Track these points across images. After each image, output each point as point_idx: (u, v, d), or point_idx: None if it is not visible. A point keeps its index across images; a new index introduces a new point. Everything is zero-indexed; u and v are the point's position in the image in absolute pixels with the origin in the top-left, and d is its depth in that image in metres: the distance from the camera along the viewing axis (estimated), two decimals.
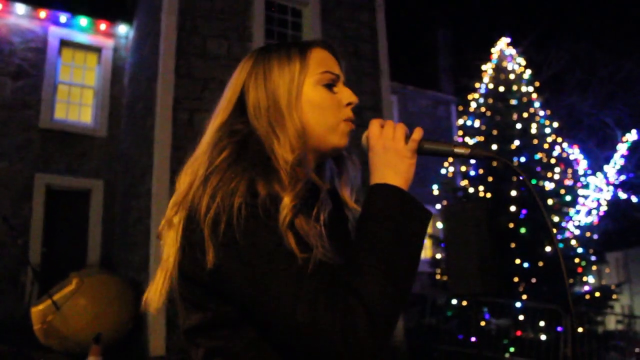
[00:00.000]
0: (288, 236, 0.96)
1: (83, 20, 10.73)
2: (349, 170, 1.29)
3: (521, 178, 1.10)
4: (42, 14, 10.43)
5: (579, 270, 9.44)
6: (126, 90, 10.84)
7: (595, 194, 17.32)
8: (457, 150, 1.13)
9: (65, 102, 10.65)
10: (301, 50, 1.22)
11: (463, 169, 11.02)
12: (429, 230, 14.02)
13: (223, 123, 1.18)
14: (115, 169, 10.60)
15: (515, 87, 10.88)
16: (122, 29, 11.11)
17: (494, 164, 10.02)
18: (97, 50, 10.99)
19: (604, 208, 17.31)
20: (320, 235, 1.00)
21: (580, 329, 8.53)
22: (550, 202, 9.71)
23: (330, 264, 0.98)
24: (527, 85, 11.02)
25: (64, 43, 10.68)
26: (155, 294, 1.10)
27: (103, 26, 10.92)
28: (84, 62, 10.95)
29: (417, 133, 1.15)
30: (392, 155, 1.13)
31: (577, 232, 10.05)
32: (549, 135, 10.53)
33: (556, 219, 9.66)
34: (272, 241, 0.96)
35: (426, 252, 14.78)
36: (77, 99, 10.81)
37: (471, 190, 10.21)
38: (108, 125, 10.70)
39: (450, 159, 11.20)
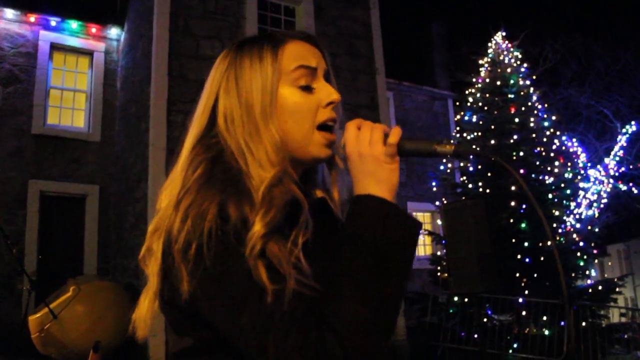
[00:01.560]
0: (258, 266, 0.90)
1: (73, 24, 10.71)
2: (338, 170, 1.20)
3: (513, 174, 1.03)
4: (32, 18, 10.41)
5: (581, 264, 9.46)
6: (119, 93, 10.82)
7: (596, 187, 17.36)
8: (440, 148, 1.04)
9: (58, 107, 10.63)
10: (274, 45, 1.12)
11: (462, 164, 11.01)
12: (428, 227, 14.15)
13: (198, 136, 1.11)
14: (110, 173, 10.59)
15: (512, 81, 10.89)
16: (114, 31, 11.10)
17: (493, 158, 10.00)
18: (88, 53, 10.98)
19: (604, 200, 17.35)
20: (296, 263, 0.93)
21: (583, 323, 8.55)
22: (550, 195, 9.72)
23: (305, 293, 0.91)
24: (524, 78, 11.02)
25: (55, 47, 10.66)
26: (140, 321, 1.08)
27: (94, 29, 10.91)
28: (75, 66, 10.94)
29: (394, 134, 1.05)
30: (370, 163, 1.04)
31: (578, 225, 10.06)
32: (548, 128, 10.54)
33: (557, 212, 9.67)
34: (242, 271, 0.91)
35: (427, 249, 14.83)
36: (69, 104, 10.79)
37: (470, 186, 10.21)
38: (101, 129, 10.69)
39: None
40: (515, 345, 8.52)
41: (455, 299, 9.25)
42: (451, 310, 9.38)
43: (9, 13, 10.26)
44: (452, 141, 1.07)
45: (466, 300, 9.07)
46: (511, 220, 9.26)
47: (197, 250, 0.93)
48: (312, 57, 1.14)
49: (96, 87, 10.85)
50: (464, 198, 10.30)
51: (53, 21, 10.55)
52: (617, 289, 9.73)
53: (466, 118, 11.04)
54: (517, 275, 9.02)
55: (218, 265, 0.92)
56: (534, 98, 10.88)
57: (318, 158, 1.13)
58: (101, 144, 10.65)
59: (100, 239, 10.24)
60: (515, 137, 10.20)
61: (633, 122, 17.80)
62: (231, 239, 0.92)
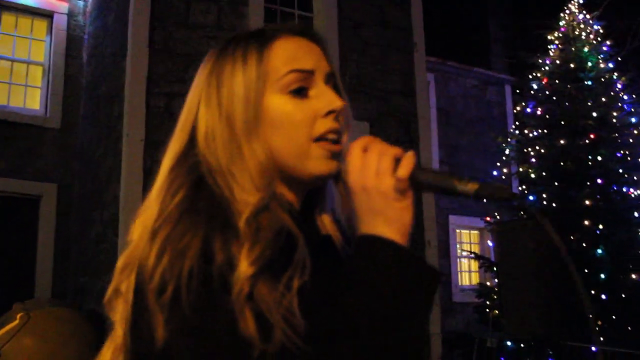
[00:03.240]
0: (245, 315, 0.94)
1: None
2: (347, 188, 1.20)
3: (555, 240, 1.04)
4: None
5: None
6: (85, 67, 10.90)
7: None
8: (460, 186, 1.07)
9: (6, 83, 10.73)
10: (260, 45, 1.16)
11: (521, 169, 10.98)
12: (475, 248, 14.11)
13: (178, 155, 1.15)
14: (72, 169, 10.67)
15: (589, 63, 10.84)
16: None
17: (562, 163, 9.98)
18: (47, 15, 11.04)
19: None
20: (286, 313, 0.96)
21: None
22: (636, 214, 9.67)
23: (295, 352, 0.94)
24: (605, 60, 10.96)
25: (3, 7, 10.75)
26: None
27: None
28: (29, 32, 11.02)
29: (405, 166, 1.08)
30: (376, 199, 1.06)
31: None
32: (635, 125, 10.47)
33: None
34: (225, 323, 0.94)
35: (472, 277, 14.77)
36: (21, 80, 10.87)
37: (531, 198, 10.17)
38: (62, 113, 10.73)
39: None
40: None
41: (509, 343, 9.23)
42: (503, 359, 9.36)
43: None
44: (473, 181, 1.08)
45: (522, 346, 9.05)
46: (584, 245, 9.22)
47: (175, 294, 0.96)
48: (308, 58, 1.17)
49: (56, 59, 10.90)
50: (522, 213, 10.27)
51: None
52: None
53: (528, 110, 11.00)
54: (590, 316, 8.98)
55: (198, 315, 0.95)
56: (618, 86, 10.82)
57: (320, 175, 1.15)
58: (61, 132, 10.72)
59: (57, 252, 10.31)
60: (591, 136, 10.15)
61: None
62: (215, 283, 0.95)
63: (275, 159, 1.12)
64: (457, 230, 14.89)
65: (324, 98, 1.16)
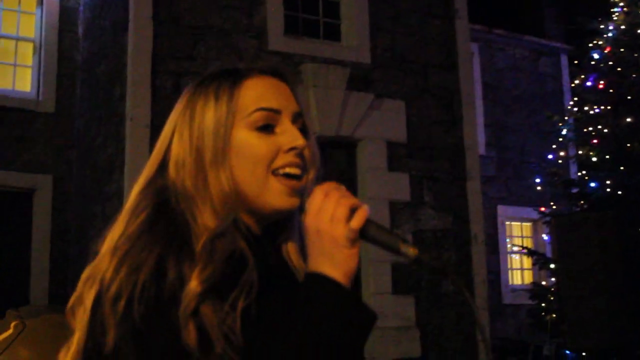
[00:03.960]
0: (189, 328, 1.15)
1: None
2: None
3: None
4: None
5: None
6: (81, 43, 10.93)
7: None
8: (404, 249, 1.25)
9: None
10: (232, 83, 1.39)
11: (580, 152, 10.83)
12: (528, 243, 13.98)
13: (148, 179, 1.39)
14: (68, 158, 10.72)
15: None
16: None
17: (629, 144, 9.83)
18: None
19: None
20: (228, 331, 1.17)
21: None
22: None
23: None
24: None
25: None
26: None
27: None
28: (17, 4, 11.05)
29: (358, 218, 1.25)
30: (327, 242, 1.25)
31: None
32: None
33: None
34: (169, 333, 1.16)
35: (525, 275, 14.66)
36: (9, 58, 10.91)
37: (593, 185, 10.02)
38: (56, 95, 10.78)
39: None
40: None
41: (568, 352, 9.13)
42: None
43: None
44: (415, 247, 1.27)
45: (584, 355, 8.94)
46: None
47: (127, 304, 1.18)
48: (276, 98, 1.41)
49: (48, 34, 10.92)
50: (582, 203, 10.12)
51: None
52: None
53: (588, 83, 10.86)
54: None
55: (146, 322, 1.17)
56: None
57: (279, 209, 1.38)
58: (56, 117, 10.76)
59: (53, 251, 10.38)
60: None
61: None
62: (164, 297, 1.17)
63: (238, 190, 1.34)
64: (507, 223, 14.81)
65: (288, 135, 1.37)
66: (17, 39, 10.99)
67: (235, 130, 1.35)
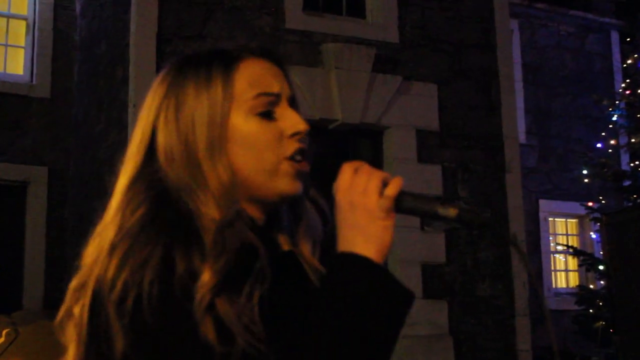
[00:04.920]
0: (206, 323, 1.18)
1: None
2: (307, 216, 1.54)
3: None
4: None
5: None
6: (79, 21, 10.93)
7: None
8: (442, 211, 1.32)
9: None
10: (226, 66, 1.41)
11: (633, 139, 10.79)
12: (574, 241, 13.90)
13: (134, 175, 1.40)
14: (65, 148, 10.75)
15: None
16: None
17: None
18: None
19: None
20: (248, 322, 1.20)
21: None
22: None
23: (257, 357, 1.19)
24: None
25: None
26: None
27: None
28: None
29: (393, 186, 1.32)
30: (360, 215, 1.30)
31: None
32: None
33: None
34: (186, 329, 1.18)
35: (570, 278, 14.59)
36: (0, 38, 10.93)
37: None
38: (52, 79, 10.82)
39: None
40: None
41: None
42: None
43: None
44: (460, 204, 1.33)
45: None
46: None
47: (136, 302, 1.18)
48: (274, 81, 1.45)
49: (42, 10, 10.95)
50: (635, 197, 10.07)
51: None
52: None
53: None
54: None
55: (159, 320, 1.18)
56: None
57: (287, 194, 1.43)
58: (52, 103, 10.81)
59: (49, 251, 10.43)
60: None
61: None
62: (176, 291, 1.19)
63: (240, 178, 1.38)
64: (550, 219, 14.73)
65: (290, 120, 1.43)
66: (9, 16, 11.04)
67: (233, 116, 1.38)
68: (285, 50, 8.48)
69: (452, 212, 1.31)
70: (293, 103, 1.47)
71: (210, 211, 1.30)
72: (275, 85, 1.43)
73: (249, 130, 1.38)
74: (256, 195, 1.41)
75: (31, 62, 10.89)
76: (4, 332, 7.88)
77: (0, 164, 10.36)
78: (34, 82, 10.80)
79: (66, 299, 1.33)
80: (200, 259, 1.21)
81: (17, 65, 10.95)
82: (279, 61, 1.49)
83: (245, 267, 1.25)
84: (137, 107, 7.74)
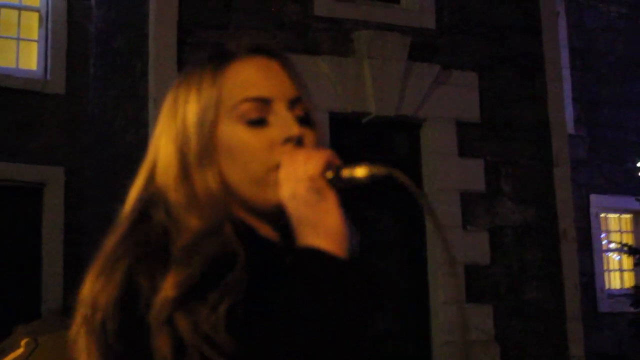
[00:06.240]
0: (162, 337, 1.22)
1: None
2: None
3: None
4: None
5: None
6: (95, 12, 10.98)
7: None
8: (359, 173, 1.33)
9: None
10: (215, 68, 1.44)
11: None
12: (628, 238, 13.75)
13: (138, 191, 1.47)
14: (82, 148, 10.81)
15: None
16: None
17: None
18: None
19: None
20: (210, 334, 1.22)
21: None
22: None
23: None
24: None
25: None
26: None
27: None
28: None
29: (312, 163, 1.33)
30: (300, 205, 1.33)
31: None
32: None
33: None
34: (144, 346, 1.23)
35: (625, 277, 14.48)
36: (11, 31, 11.02)
37: None
38: (67, 73, 10.90)
39: None
40: None
41: None
42: None
43: None
44: (368, 165, 1.34)
45: None
46: None
47: (102, 323, 1.28)
48: (267, 83, 1.44)
49: (56, 1, 11.01)
50: None
51: None
52: None
53: None
54: None
55: (120, 342, 1.27)
56: None
57: (279, 204, 1.39)
58: (67, 99, 10.89)
59: (67, 255, 10.49)
60: None
61: None
62: (138, 309, 1.25)
63: (231, 188, 1.41)
64: (602, 215, 14.60)
65: (281, 125, 1.42)
66: (20, 8, 11.15)
67: (222, 123, 1.41)
68: (314, 39, 8.45)
69: (377, 170, 1.33)
70: (295, 105, 1.46)
71: (191, 222, 1.34)
72: (267, 88, 1.43)
73: (236, 139, 1.40)
74: (250, 206, 1.44)
75: (45, 56, 10.97)
76: (23, 342, 7.94)
77: (14, 164, 10.46)
78: (48, 77, 10.89)
79: (77, 312, 1.38)
80: (161, 273, 1.26)
81: (30, 60, 11.05)
82: (279, 58, 1.49)
83: (219, 277, 1.28)
84: (157, 102, 7.76)
